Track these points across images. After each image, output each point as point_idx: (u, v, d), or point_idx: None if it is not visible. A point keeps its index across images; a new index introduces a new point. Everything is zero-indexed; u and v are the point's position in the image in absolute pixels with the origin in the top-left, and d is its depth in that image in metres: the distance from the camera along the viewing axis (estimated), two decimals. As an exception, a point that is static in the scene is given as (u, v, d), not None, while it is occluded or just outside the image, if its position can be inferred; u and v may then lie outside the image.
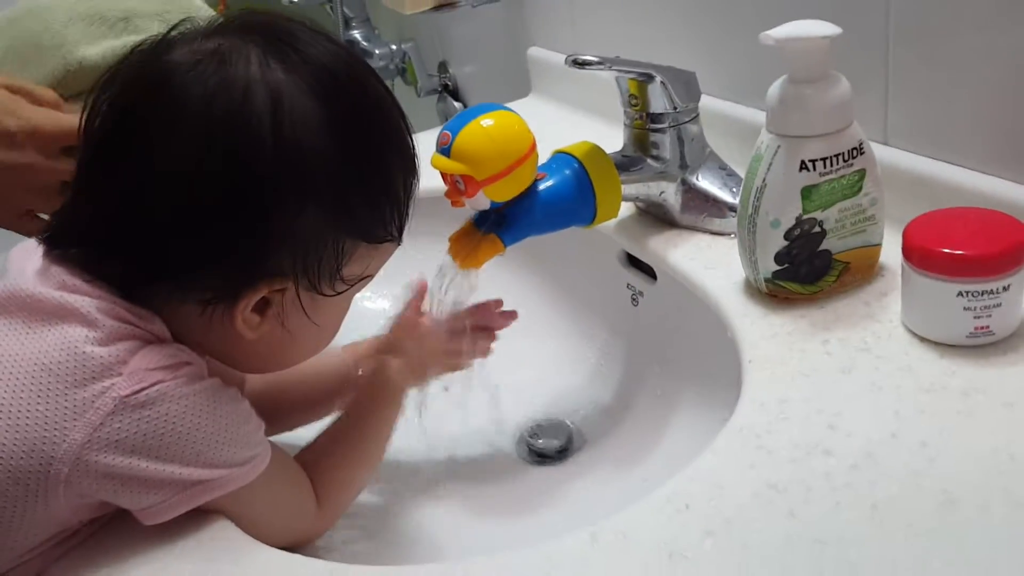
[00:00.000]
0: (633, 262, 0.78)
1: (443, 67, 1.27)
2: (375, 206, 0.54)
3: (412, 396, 0.68)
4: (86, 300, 0.50)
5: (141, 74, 0.51)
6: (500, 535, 0.66)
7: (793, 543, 0.45)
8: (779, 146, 0.59)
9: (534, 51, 1.05)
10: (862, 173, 0.59)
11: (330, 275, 0.53)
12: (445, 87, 1.27)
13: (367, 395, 0.64)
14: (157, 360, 0.49)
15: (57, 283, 0.51)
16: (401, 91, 1.29)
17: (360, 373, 0.69)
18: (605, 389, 0.79)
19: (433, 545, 0.65)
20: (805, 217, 0.59)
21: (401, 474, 0.72)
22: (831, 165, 0.58)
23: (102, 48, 0.73)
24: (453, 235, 0.68)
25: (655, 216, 0.75)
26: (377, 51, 1.27)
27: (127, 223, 0.51)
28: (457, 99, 1.26)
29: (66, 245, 0.52)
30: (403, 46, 1.28)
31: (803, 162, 0.58)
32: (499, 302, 0.73)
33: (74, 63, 0.73)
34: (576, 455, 0.75)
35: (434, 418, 0.71)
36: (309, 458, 0.59)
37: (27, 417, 0.47)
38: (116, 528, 0.53)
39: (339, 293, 0.55)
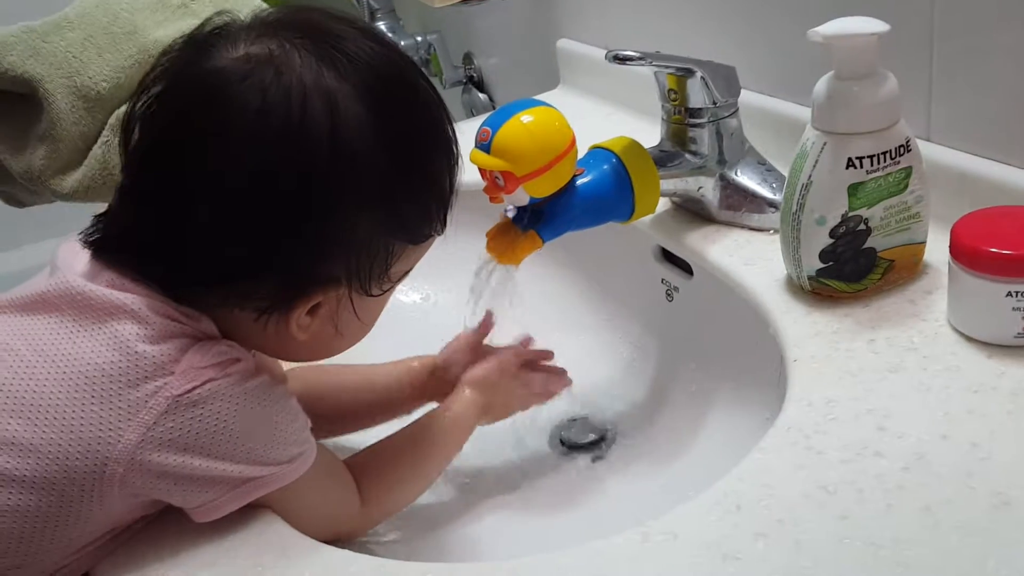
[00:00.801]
0: (668, 257, 0.78)
1: (468, 59, 1.26)
2: (424, 207, 0.55)
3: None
4: (135, 298, 0.50)
5: (192, 80, 0.51)
6: (538, 530, 0.66)
7: (846, 545, 0.45)
8: (825, 143, 0.58)
9: (563, 43, 1.04)
10: (908, 171, 0.59)
11: (379, 277, 0.54)
12: (470, 79, 1.26)
13: (441, 417, 0.65)
14: (208, 358, 0.50)
15: (106, 281, 0.51)
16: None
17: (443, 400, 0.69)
18: (639, 384, 0.78)
19: (471, 540, 0.65)
20: (851, 215, 0.59)
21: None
22: (878, 162, 0.58)
23: (171, 31, 0.72)
24: (490, 231, 0.68)
25: (692, 211, 0.75)
26: (402, 42, 1.26)
27: (181, 232, 0.50)
28: (482, 91, 1.25)
29: (115, 251, 0.52)
30: (428, 37, 1.27)
31: (850, 159, 0.57)
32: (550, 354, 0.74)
33: (151, 45, 0.73)
34: (610, 450, 0.75)
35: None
36: (364, 458, 0.60)
37: (82, 418, 0.48)
38: (166, 523, 0.53)
39: (385, 291, 0.55)
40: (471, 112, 1.26)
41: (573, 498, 0.70)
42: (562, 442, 0.76)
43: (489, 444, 0.75)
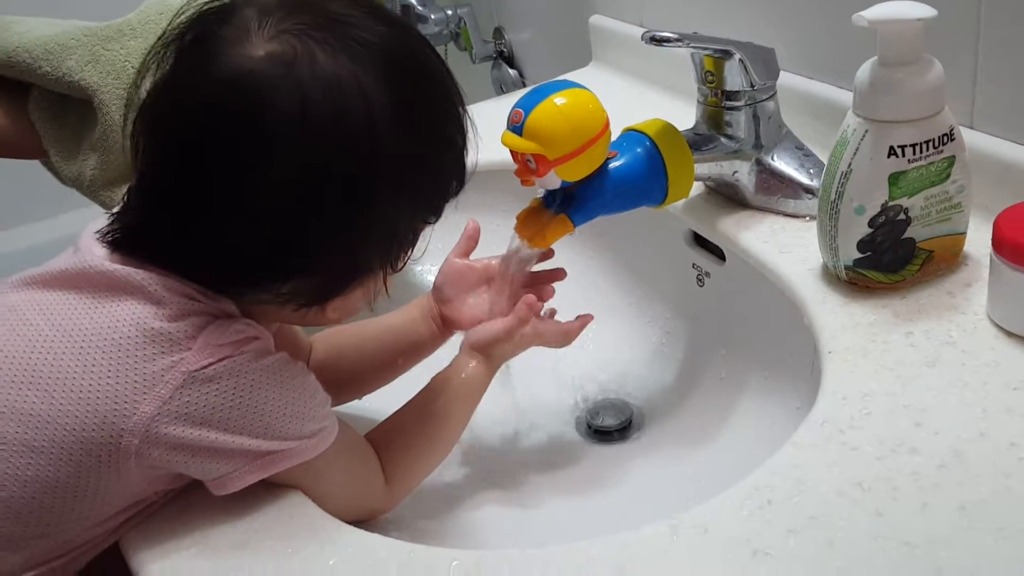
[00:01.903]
0: (700, 242, 0.77)
1: (498, 33, 1.25)
2: (444, 186, 0.55)
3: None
4: (154, 277, 0.51)
5: (217, 81, 0.49)
6: (564, 515, 0.66)
7: (880, 544, 0.45)
8: (867, 130, 0.57)
9: (596, 19, 1.03)
10: (951, 160, 0.57)
11: (405, 254, 0.55)
12: (500, 54, 1.25)
13: (450, 384, 0.64)
14: (225, 336, 0.50)
15: (127, 262, 0.51)
16: (455, 57, 1.28)
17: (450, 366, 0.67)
18: (667, 370, 0.78)
19: (497, 524, 0.65)
20: (891, 204, 0.58)
21: (464, 451, 0.71)
22: (921, 152, 0.56)
23: None
24: (521, 213, 0.67)
25: (725, 196, 0.74)
26: (432, 16, 1.25)
27: (224, 242, 0.50)
28: (512, 66, 1.24)
29: (142, 254, 0.52)
30: (459, 11, 1.25)
31: (892, 148, 0.56)
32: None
33: None
34: (637, 435, 0.74)
35: (495, 395, 0.71)
36: (381, 435, 0.60)
37: (98, 391, 0.48)
38: (193, 501, 0.53)
39: (405, 264, 0.56)
40: (501, 88, 1.24)
41: (599, 483, 0.70)
42: (589, 427, 0.75)
43: (515, 428, 0.75)
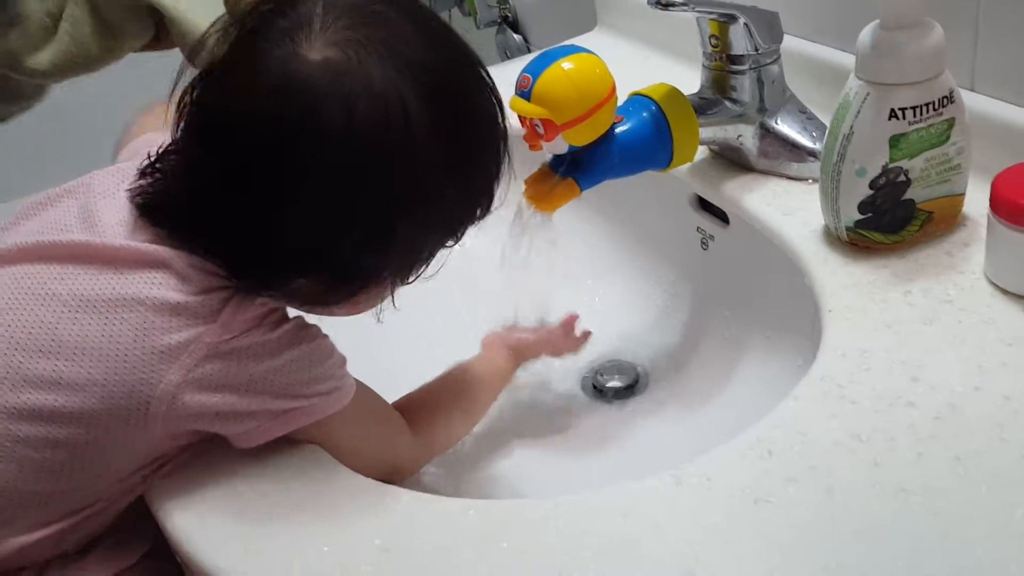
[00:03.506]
0: (704, 205, 0.78)
1: (503, -2, 1.25)
2: (471, 211, 0.56)
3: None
4: (178, 254, 0.52)
5: (272, 77, 0.50)
6: (570, 471, 0.68)
7: (877, 492, 0.46)
8: (868, 93, 0.58)
9: (601, -16, 1.03)
10: (951, 122, 0.58)
11: (420, 270, 0.56)
12: (504, 19, 1.25)
13: (481, 368, 0.68)
14: (247, 310, 0.52)
15: (148, 237, 0.53)
16: (459, 23, 1.28)
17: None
18: (672, 331, 0.79)
19: (505, 479, 0.67)
20: (891, 166, 0.59)
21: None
22: (921, 114, 0.57)
23: None
24: (528, 178, 0.68)
25: (729, 160, 0.75)
26: (438, -19, 1.25)
27: (252, 233, 0.51)
28: (516, 31, 1.24)
29: (166, 223, 0.53)
30: (463, -24, 1.26)
31: (893, 110, 0.57)
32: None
33: None
34: (642, 394, 0.76)
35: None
36: (408, 402, 0.62)
37: (125, 360, 0.50)
38: (216, 456, 0.55)
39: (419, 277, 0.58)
40: (505, 54, 1.25)
41: (605, 441, 0.72)
42: (595, 386, 0.77)
43: (522, 387, 0.77)
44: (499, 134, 0.56)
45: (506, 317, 0.73)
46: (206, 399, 0.51)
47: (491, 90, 0.56)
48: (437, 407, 0.63)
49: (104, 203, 0.55)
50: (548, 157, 0.68)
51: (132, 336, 0.50)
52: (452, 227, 0.56)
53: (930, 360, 0.53)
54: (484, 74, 0.56)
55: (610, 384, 0.77)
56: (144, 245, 0.52)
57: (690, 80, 0.74)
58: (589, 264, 0.86)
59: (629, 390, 0.76)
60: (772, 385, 0.67)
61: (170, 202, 0.53)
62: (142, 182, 0.55)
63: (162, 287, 0.51)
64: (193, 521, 0.52)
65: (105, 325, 0.50)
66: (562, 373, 0.79)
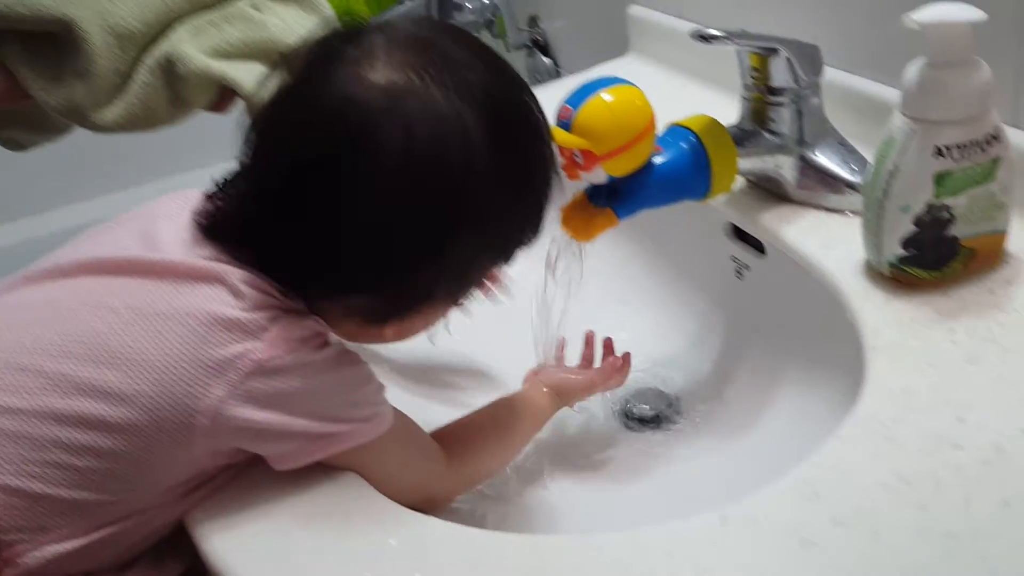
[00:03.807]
0: (739, 234, 0.78)
1: (533, 21, 1.25)
2: (524, 231, 0.57)
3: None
4: (233, 270, 0.53)
5: (335, 98, 0.51)
6: (604, 501, 0.68)
7: (924, 536, 0.46)
8: (914, 130, 0.58)
9: (635, 10, 1.03)
10: (996, 160, 0.58)
11: (469, 292, 0.57)
12: (535, 42, 1.25)
13: (521, 405, 0.68)
14: (295, 331, 0.53)
15: (206, 255, 0.54)
16: (489, 45, 1.29)
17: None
18: (704, 360, 0.79)
19: (540, 509, 0.67)
20: (936, 203, 0.59)
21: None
22: (967, 152, 0.57)
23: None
24: (565, 207, 0.68)
25: (766, 190, 0.75)
26: (468, 4, 1.26)
27: (310, 250, 0.53)
28: (547, 55, 1.25)
29: (229, 241, 0.54)
30: (494, -1, 1.26)
31: (939, 148, 0.57)
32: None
33: None
34: (674, 423, 0.76)
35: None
36: (447, 433, 0.62)
37: (173, 373, 0.51)
38: (257, 480, 0.55)
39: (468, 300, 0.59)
40: (535, 77, 1.25)
41: (638, 471, 0.72)
42: (627, 414, 0.77)
43: (555, 415, 0.77)
44: (550, 157, 0.58)
45: (545, 347, 0.73)
46: (249, 415, 0.51)
47: (543, 116, 0.58)
48: (475, 439, 0.64)
49: (165, 224, 0.56)
50: (585, 185, 0.68)
51: (182, 348, 0.51)
52: (504, 248, 0.57)
53: (976, 401, 0.53)
54: (535, 101, 0.57)
55: (642, 412, 0.76)
56: (199, 260, 0.53)
57: (724, 108, 0.74)
58: (620, 290, 0.86)
59: (661, 418, 0.76)
60: (809, 419, 0.66)
61: (230, 221, 0.55)
62: (207, 205, 0.56)
63: (215, 301, 0.52)
64: (230, 544, 0.52)
65: (156, 337, 0.51)
66: (593, 399, 0.79)
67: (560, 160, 0.64)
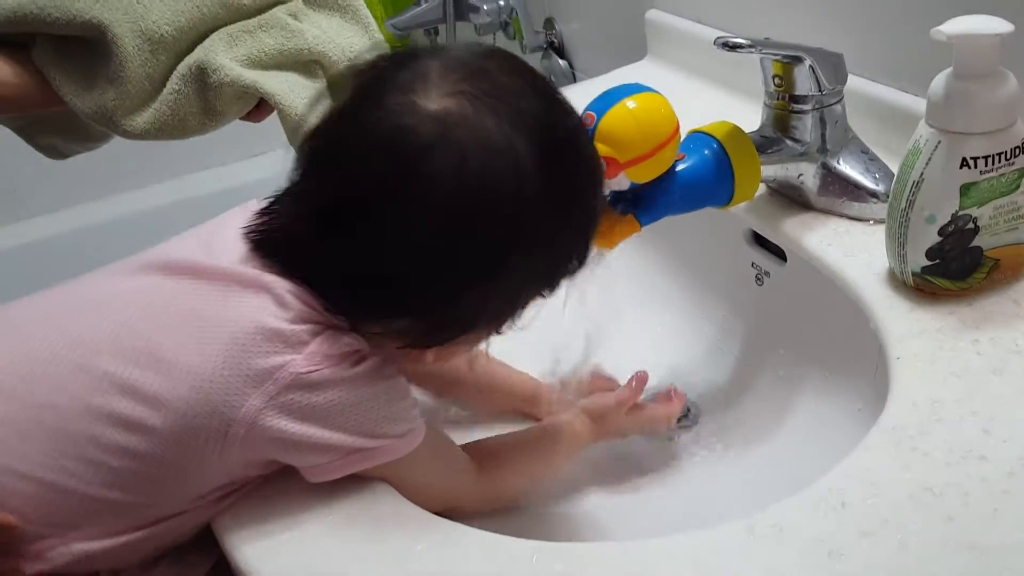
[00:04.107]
0: (759, 241, 0.78)
1: (550, 23, 1.26)
2: (570, 260, 0.57)
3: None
4: (281, 281, 0.53)
5: (387, 123, 0.52)
6: (630, 507, 0.68)
7: (952, 548, 0.46)
8: (940, 141, 0.58)
9: (653, 14, 1.03)
10: (1022, 172, 0.58)
11: (512, 321, 0.57)
12: (551, 44, 1.26)
13: (559, 431, 0.68)
14: (335, 347, 0.53)
15: (258, 266, 0.55)
16: (504, 46, 1.29)
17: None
18: (723, 366, 0.79)
19: (560, 515, 0.67)
20: (960, 213, 0.59)
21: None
22: (993, 163, 0.57)
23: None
24: (588, 212, 0.69)
25: (788, 197, 0.75)
26: (484, 6, 1.26)
27: (358, 274, 0.53)
28: (563, 57, 1.25)
29: (278, 259, 0.55)
30: (510, 0, 1.27)
31: (965, 159, 0.57)
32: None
33: None
34: (693, 429, 0.76)
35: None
36: (481, 449, 0.63)
37: (212, 380, 0.51)
38: (287, 488, 0.56)
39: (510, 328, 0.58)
40: (550, 79, 1.25)
41: (658, 476, 0.72)
42: (646, 419, 0.77)
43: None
44: (599, 185, 0.58)
45: (573, 357, 0.73)
46: (285, 427, 0.52)
47: (592, 144, 0.58)
48: (508, 458, 0.64)
49: (226, 233, 0.57)
50: (609, 193, 0.69)
51: (223, 356, 0.52)
52: (552, 277, 0.57)
53: (1001, 412, 0.53)
54: (585, 133, 0.58)
55: (661, 417, 0.76)
56: (249, 270, 0.54)
57: (742, 113, 0.74)
58: (639, 295, 0.86)
59: (680, 424, 0.76)
60: (830, 428, 0.67)
61: (280, 238, 0.55)
62: (258, 220, 0.56)
63: (259, 311, 0.53)
64: (259, 552, 0.53)
65: (199, 343, 0.52)
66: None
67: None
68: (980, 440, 0.51)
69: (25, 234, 1.43)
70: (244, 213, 0.58)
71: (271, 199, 0.57)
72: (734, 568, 0.47)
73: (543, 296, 0.57)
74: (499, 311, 0.56)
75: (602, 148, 0.64)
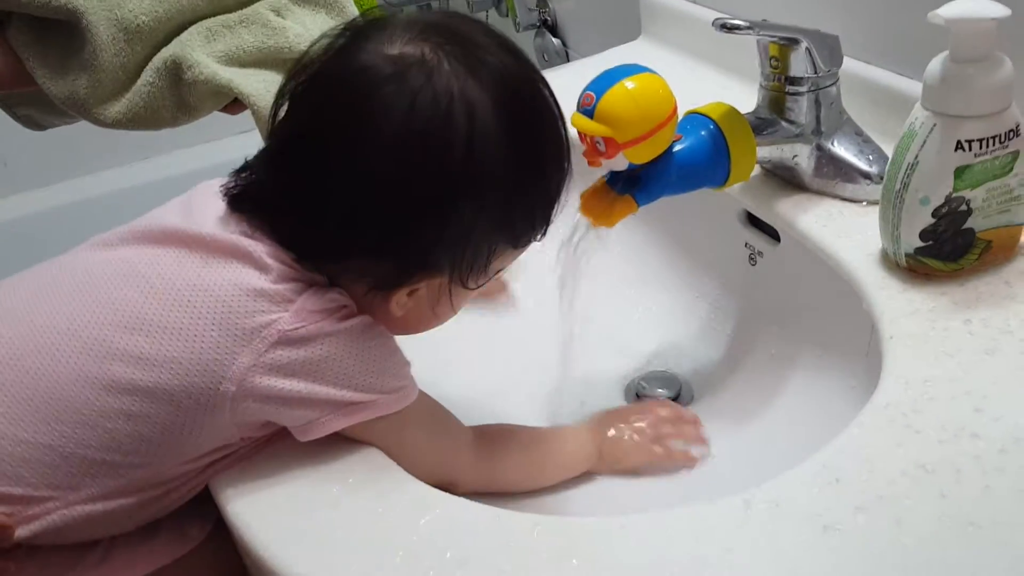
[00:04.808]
0: (753, 221, 0.78)
1: (543, 2, 1.25)
2: (532, 216, 0.59)
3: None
4: (259, 246, 0.55)
5: (346, 69, 0.54)
6: (625, 483, 0.69)
7: (946, 524, 0.47)
8: (935, 124, 0.59)
9: (647, -7, 1.03)
10: (1015, 155, 0.59)
11: (478, 272, 0.58)
12: (544, 22, 1.26)
13: (567, 438, 0.68)
14: (320, 303, 0.55)
15: (237, 230, 0.56)
16: (497, 24, 1.28)
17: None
18: (716, 344, 0.80)
19: (568, 488, 0.67)
20: (954, 195, 0.60)
21: (521, 420, 0.74)
22: (987, 146, 0.58)
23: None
24: (585, 193, 0.69)
25: (782, 178, 0.75)
26: (478, -18, 1.26)
27: (317, 211, 0.54)
28: (556, 36, 1.25)
29: (249, 209, 0.56)
30: (503, -22, 1.26)
31: (959, 142, 0.58)
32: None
33: None
34: (686, 406, 0.77)
35: (546, 366, 0.74)
36: (491, 428, 0.64)
37: (202, 340, 0.53)
38: (284, 456, 0.57)
39: (480, 286, 0.59)
40: (543, 57, 1.26)
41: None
42: (638, 395, 0.78)
43: (565, 398, 0.78)
44: (562, 147, 0.59)
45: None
46: (274, 383, 0.53)
47: (558, 107, 0.59)
48: (509, 444, 0.64)
49: (204, 199, 0.58)
50: (604, 171, 0.69)
51: (211, 318, 0.53)
52: (511, 229, 0.58)
53: (993, 391, 0.54)
54: (551, 92, 0.59)
55: (654, 394, 0.77)
56: (229, 235, 0.55)
57: (736, 93, 0.74)
58: (632, 274, 0.86)
59: (674, 402, 0.77)
60: (822, 405, 0.68)
61: (252, 191, 0.57)
62: (234, 177, 0.58)
63: (242, 274, 0.54)
64: (254, 514, 0.54)
65: (187, 306, 0.53)
66: (605, 381, 0.80)
67: (581, 147, 0.65)
68: (972, 418, 0.52)
69: (15, 208, 1.42)
70: (218, 183, 0.59)
71: (246, 160, 0.59)
72: (732, 542, 0.48)
73: (511, 251, 0.59)
74: (456, 255, 0.56)
75: (601, 128, 0.64)
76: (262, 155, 0.58)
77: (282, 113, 0.56)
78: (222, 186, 0.58)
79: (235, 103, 0.73)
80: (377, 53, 0.53)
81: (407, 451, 0.57)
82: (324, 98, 0.55)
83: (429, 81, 0.52)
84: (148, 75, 0.71)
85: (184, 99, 0.71)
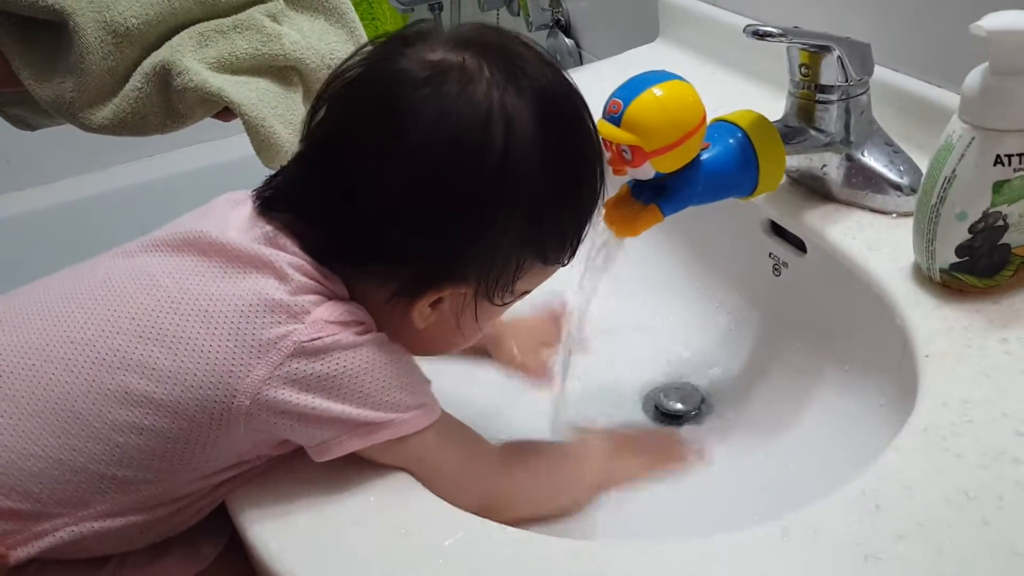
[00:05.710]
0: (777, 231, 0.77)
1: (556, 1, 1.24)
2: (562, 234, 0.58)
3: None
4: (280, 255, 0.54)
5: (385, 73, 0.54)
6: (645, 500, 0.68)
7: (989, 552, 0.46)
8: (973, 137, 0.57)
9: (666, -5, 1.02)
10: (1055, 169, 0.58)
11: (504, 287, 0.57)
12: (557, 22, 1.24)
13: (593, 457, 0.67)
14: (336, 314, 0.53)
15: (258, 237, 0.55)
16: (509, 24, 1.27)
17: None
18: (737, 356, 0.79)
19: (592, 514, 0.65)
20: (991, 211, 0.58)
21: (540, 434, 0.73)
22: (1027, 161, 0.57)
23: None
24: (609, 202, 0.67)
25: (809, 188, 0.74)
26: (491, -19, 1.24)
27: (345, 210, 0.54)
28: (569, 36, 1.23)
29: (280, 209, 0.56)
30: (516, -24, 1.25)
31: (999, 156, 0.56)
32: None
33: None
34: (706, 419, 0.76)
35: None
36: (512, 443, 0.63)
37: (217, 352, 0.52)
38: (304, 474, 0.55)
39: (505, 304, 0.58)
40: (555, 57, 1.24)
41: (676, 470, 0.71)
42: (656, 407, 0.77)
43: (584, 410, 0.76)
44: (597, 167, 0.58)
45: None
46: (289, 397, 0.52)
47: (595, 129, 0.59)
48: (539, 465, 0.63)
49: (226, 208, 0.58)
50: (628, 180, 0.67)
51: (226, 328, 0.52)
52: (540, 244, 0.57)
53: (1033, 413, 0.53)
54: (590, 115, 0.58)
55: (673, 408, 0.76)
56: (250, 244, 0.54)
57: (757, 98, 0.73)
58: (653, 282, 0.85)
59: (693, 415, 0.76)
60: (849, 422, 0.66)
61: (285, 190, 0.57)
62: (267, 181, 0.58)
63: (262, 285, 0.53)
64: (273, 534, 0.53)
65: (202, 317, 0.52)
66: (623, 393, 0.79)
67: (607, 154, 0.63)
68: (1014, 442, 0.51)
69: (17, 205, 1.40)
70: (243, 193, 0.59)
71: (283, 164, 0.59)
72: (769, 570, 0.47)
73: (539, 269, 0.58)
74: (484, 265, 0.55)
75: (629, 136, 0.62)
76: (296, 157, 0.58)
77: (319, 117, 0.56)
78: (254, 191, 0.57)
79: (227, 111, 0.71)
80: (418, 59, 0.53)
81: (437, 475, 0.56)
82: (363, 98, 0.54)
83: (469, 86, 0.52)
84: (137, 80, 0.69)
85: (173, 106, 0.69)
